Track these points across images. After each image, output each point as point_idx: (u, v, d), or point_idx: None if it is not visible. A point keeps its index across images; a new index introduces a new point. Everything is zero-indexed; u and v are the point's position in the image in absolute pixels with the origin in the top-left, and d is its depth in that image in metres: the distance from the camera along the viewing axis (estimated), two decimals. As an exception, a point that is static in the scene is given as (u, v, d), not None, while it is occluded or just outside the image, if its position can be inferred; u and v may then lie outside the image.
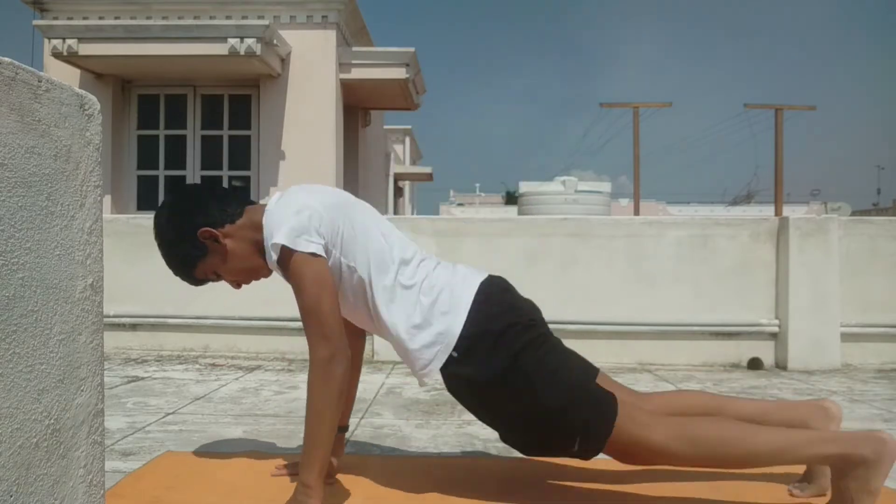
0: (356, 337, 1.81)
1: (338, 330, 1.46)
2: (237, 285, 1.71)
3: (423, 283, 1.60)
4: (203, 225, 1.58)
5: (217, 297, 4.49)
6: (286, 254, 1.48)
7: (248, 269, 1.65)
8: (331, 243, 1.54)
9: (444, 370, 1.57)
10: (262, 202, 1.68)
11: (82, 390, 1.00)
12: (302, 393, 3.25)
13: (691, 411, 1.64)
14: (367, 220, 1.64)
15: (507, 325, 1.55)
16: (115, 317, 4.36)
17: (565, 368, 1.57)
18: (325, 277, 1.48)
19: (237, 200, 1.65)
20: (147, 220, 4.70)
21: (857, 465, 1.39)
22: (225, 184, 7.54)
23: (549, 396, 1.51)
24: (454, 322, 1.55)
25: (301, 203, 1.53)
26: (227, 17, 7.37)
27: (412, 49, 7.76)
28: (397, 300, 1.59)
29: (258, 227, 1.57)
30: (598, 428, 1.50)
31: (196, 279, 1.66)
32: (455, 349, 1.55)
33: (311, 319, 1.46)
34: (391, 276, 1.59)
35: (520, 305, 1.65)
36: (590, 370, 1.62)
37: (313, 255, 1.47)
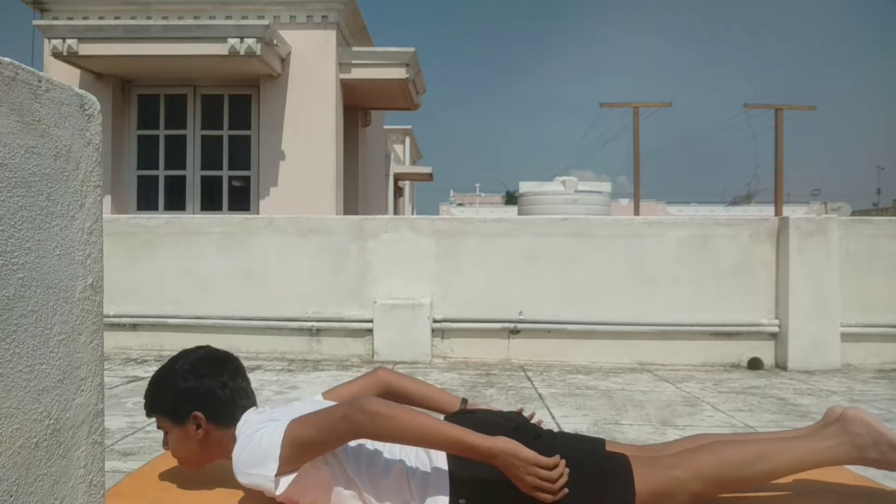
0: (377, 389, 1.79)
1: (347, 406, 1.43)
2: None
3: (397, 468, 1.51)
4: (200, 409, 1.59)
5: (217, 298, 4.51)
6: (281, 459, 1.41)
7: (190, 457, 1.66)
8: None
9: None
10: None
11: (82, 390, 1.00)
12: (301, 392, 3.25)
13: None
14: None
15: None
16: (115, 317, 4.35)
17: (572, 447, 1.56)
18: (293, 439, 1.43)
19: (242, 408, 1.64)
20: (147, 219, 4.72)
21: (866, 444, 1.46)
22: (225, 184, 7.54)
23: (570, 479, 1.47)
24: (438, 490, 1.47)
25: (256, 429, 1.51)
26: (227, 17, 7.37)
27: (412, 49, 7.76)
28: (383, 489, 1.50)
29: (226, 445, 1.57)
30: (620, 486, 1.48)
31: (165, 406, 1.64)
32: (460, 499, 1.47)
33: (333, 426, 1.41)
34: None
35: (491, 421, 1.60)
36: (593, 440, 1.64)
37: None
